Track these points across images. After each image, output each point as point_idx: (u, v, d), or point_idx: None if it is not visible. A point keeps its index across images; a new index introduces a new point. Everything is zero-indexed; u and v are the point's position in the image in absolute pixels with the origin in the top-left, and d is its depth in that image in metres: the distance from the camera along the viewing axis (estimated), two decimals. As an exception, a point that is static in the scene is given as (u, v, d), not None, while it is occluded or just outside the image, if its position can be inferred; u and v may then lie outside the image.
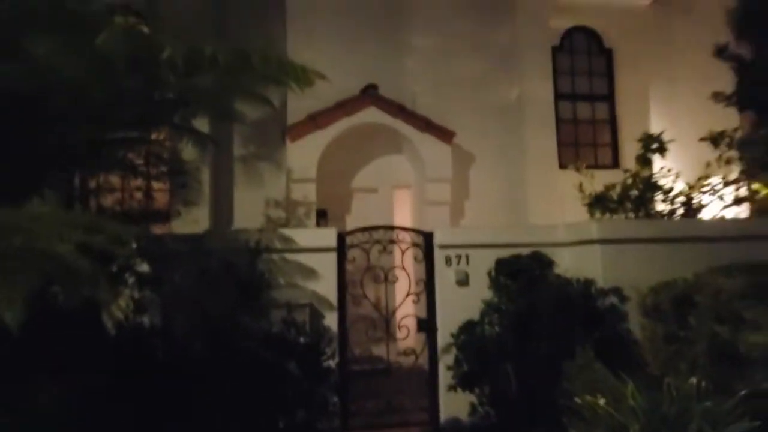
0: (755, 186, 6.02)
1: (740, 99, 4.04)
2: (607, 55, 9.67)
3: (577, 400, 3.10)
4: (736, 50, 4.08)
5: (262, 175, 8.58)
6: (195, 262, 4.16)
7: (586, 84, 9.63)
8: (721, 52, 4.14)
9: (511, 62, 9.07)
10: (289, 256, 5.29)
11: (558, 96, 9.33)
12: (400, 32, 8.95)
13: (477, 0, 9.10)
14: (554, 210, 8.33)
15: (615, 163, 9.38)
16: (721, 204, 6.08)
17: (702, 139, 5.57)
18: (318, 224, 8.18)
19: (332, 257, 5.52)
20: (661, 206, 6.00)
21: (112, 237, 1.84)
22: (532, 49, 9.08)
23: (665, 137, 5.98)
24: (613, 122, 9.56)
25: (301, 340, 4.54)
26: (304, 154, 7.99)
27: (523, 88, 9.01)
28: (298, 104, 7.93)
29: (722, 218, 5.77)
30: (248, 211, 8.60)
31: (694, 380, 2.94)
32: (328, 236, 5.63)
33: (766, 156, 4.51)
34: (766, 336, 2.99)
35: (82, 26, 2.34)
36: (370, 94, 8.33)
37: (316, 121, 8.00)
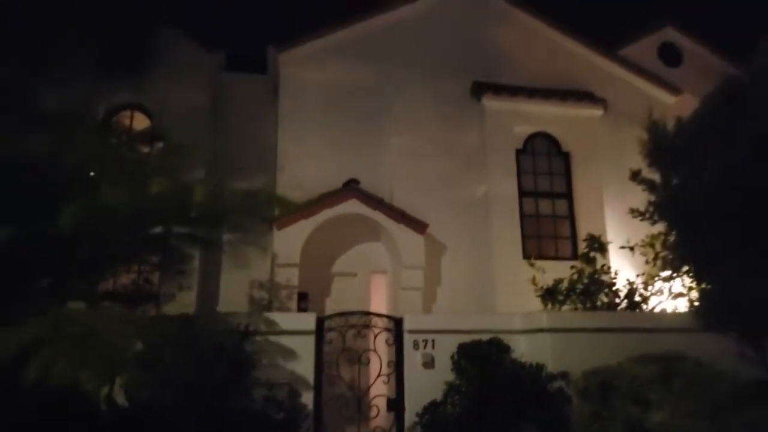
0: (689, 283, 6.80)
1: (651, 215, 4.88)
2: (565, 157, 10.75)
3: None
4: (647, 175, 4.97)
5: (249, 258, 9.15)
6: (187, 342, 4.69)
7: (546, 183, 10.60)
8: (635, 176, 5.03)
9: (479, 162, 10.09)
10: (272, 338, 5.86)
11: (522, 193, 10.25)
12: (380, 133, 9.99)
13: (449, 107, 10.25)
14: (519, 297, 8.99)
15: (574, 255, 10.18)
16: (661, 298, 6.86)
17: (622, 247, 6.43)
18: (299, 306, 8.73)
19: (311, 340, 6.10)
20: (605, 299, 6.74)
21: (149, 327, 2.49)
22: (498, 152, 10.14)
23: (607, 238, 6.83)
24: (571, 217, 10.45)
25: (280, 416, 5.02)
26: (289, 241, 8.66)
27: (490, 186, 9.96)
28: (286, 194, 8.71)
29: (656, 312, 6.51)
30: (234, 293, 9.20)
31: (606, 453, 3.54)
32: (307, 320, 6.24)
33: (682, 259, 5.30)
34: (664, 415, 3.62)
35: (138, 175, 3.14)
36: (351, 188, 9.19)
37: (301, 211, 8.77)
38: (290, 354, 5.91)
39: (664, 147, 4.79)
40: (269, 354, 5.73)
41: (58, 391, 3.19)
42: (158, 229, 3.50)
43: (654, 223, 5.01)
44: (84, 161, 3.07)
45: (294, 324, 6.15)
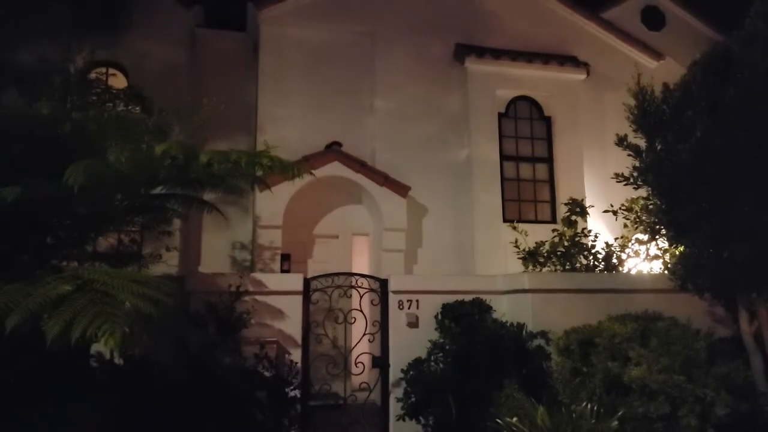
0: (665, 246, 7.04)
1: (635, 180, 5.02)
2: (547, 121, 10.86)
3: (499, 421, 3.86)
4: (633, 141, 5.08)
5: (230, 220, 9.12)
6: (178, 302, 4.73)
7: (528, 147, 10.73)
8: (621, 141, 5.14)
9: (462, 125, 10.13)
10: (260, 297, 5.93)
11: (503, 157, 10.38)
12: (363, 95, 9.91)
13: (433, 69, 10.19)
14: (498, 260, 9.23)
15: (553, 219, 10.41)
16: (637, 260, 7.11)
17: (605, 211, 6.62)
18: (282, 268, 8.81)
19: (298, 299, 6.18)
20: (584, 261, 6.95)
21: (154, 287, 2.52)
22: (480, 115, 10.18)
23: (586, 203, 7.01)
24: (552, 182, 10.65)
25: (269, 373, 5.13)
26: (272, 203, 8.64)
27: (472, 149, 10.04)
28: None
29: (635, 273, 6.75)
30: (215, 254, 9.20)
31: (588, 405, 3.75)
32: (295, 281, 6.31)
33: (660, 223, 5.48)
34: (643, 371, 3.83)
35: (143, 139, 3.11)
36: (334, 150, 9.16)
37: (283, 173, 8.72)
38: (278, 314, 6.00)
39: (650, 113, 4.87)
40: (258, 313, 5.80)
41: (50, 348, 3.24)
42: (158, 190, 3.48)
43: (637, 188, 5.14)
44: (84, 120, 3.03)
45: (281, 284, 6.21)
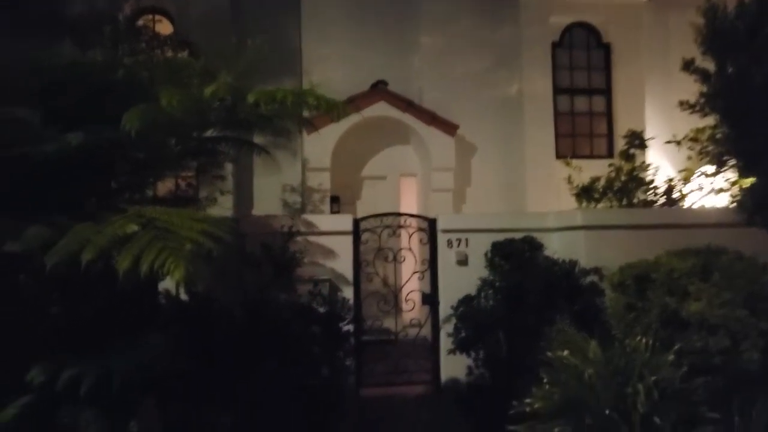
0: (733, 179, 6.66)
1: (702, 107, 4.70)
2: (605, 49, 10.25)
3: (550, 355, 3.88)
4: (701, 65, 4.72)
5: (280, 163, 9.24)
6: (234, 243, 4.89)
7: (584, 78, 10.23)
8: (687, 66, 4.78)
9: (513, 58, 9.71)
10: (312, 238, 6.07)
11: (557, 90, 9.95)
12: (409, 31, 9.59)
13: (481, 0, 9.70)
14: (551, 197, 9.04)
15: (609, 153, 10.02)
16: (701, 194, 6.78)
17: (668, 142, 6.27)
18: (332, 209, 8.94)
19: (349, 239, 6.31)
20: (643, 196, 6.70)
21: (213, 224, 2.62)
22: (532, 46, 9.71)
23: (646, 135, 6.67)
24: (609, 114, 10.17)
25: (323, 310, 5.32)
26: (320, 145, 8.70)
27: (523, 83, 9.66)
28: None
29: (695, 207, 6.46)
30: (266, 197, 9.39)
31: (642, 339, 3.71)
32: (345, 221, 6.41)
33: (728, 153, 5.16)
34: (701, 305, 3.72)
35: (192, 83, 3.16)
36: (380, 90, 9.01)
37: (330, 114, 8.68)
38: (330, 253, 6.15)
39: (721, 32, 4.49)
40: (311, 253, 5.96)
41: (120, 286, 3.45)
42: (209, 133, 3.56)
43: (704, 115, 4.82)
44: (135, 66, 3.09)
45: (332, 225, 6.34)
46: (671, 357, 3.59)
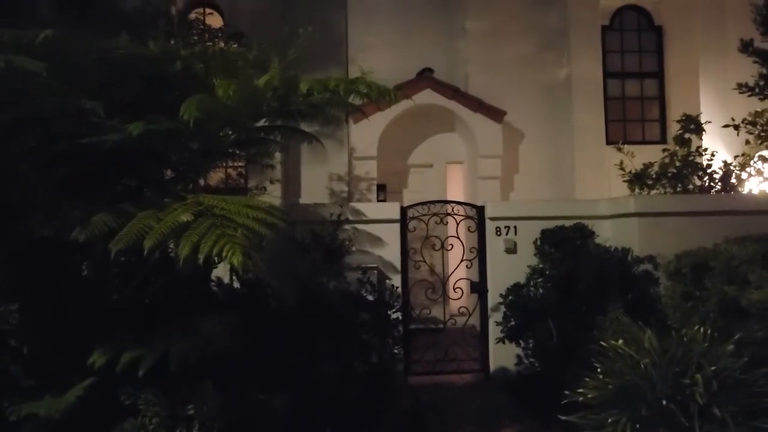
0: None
1: (761, 90, 4.48)
2: (657, 32, 9.88)
3: (604, 344, 3.81)
4: (760, 46, 4.49)
5: (327, 152, 9.34)
6: (285, 230, 5.00)
7: (635, 61, 9.90)
8: (746, 47, 4.56)
9: (561, 42, 9.48)
10: (360, 226, 6.15)
11: (607, 74, 9.67)
12: (454, 16, 9.50)
13: (528, -18, 9.50)
14: (601, 184, 8.83)
15: (662, 139, 9.68)
16: (760, 179, 6.48)
17: (725, 126, 5.98)
18: (378, 198, 9.00)
19: (396, 227, 6.34)
20: (698, 182, 6.45)
21: (267, 212, 2.70)
22: (582, 29, 9.44)
23: (703, 119, 6.40)
24: (662, 99, 9.82)
25: (371, 297, 5.38)
26: (366, 134, 8.75)
27: (572, 67, 9.42)
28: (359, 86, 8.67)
29: (754, 193, 6.18)
30: (314, 186, 9.53)
31: (700, 329, 3.59)
32: (392, 209, 6.45)
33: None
34: (763, 294, 3.57)
35: (246, 73, 3.26)
36: (425, 77, 8.98)
37: (377, 103, 8.71)
38: (377, 241, 6.21)
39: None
40: (358, 241, 6.04)
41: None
42: (262, 123, 3.65)
43: (764, 98, 4.60)
44: (191, 57, 3.20)
45: (379, 213, 6.39)
46: (731, 347, 3.47)
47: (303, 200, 9.27)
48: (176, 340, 3.25)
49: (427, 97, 8.85)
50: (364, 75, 3.58)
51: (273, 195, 7.56)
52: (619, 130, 9.64)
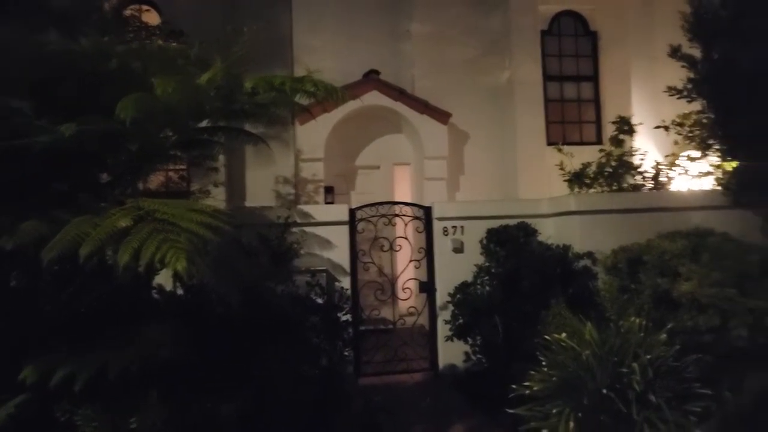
0: (717, 162, 6.76)
1: (689, 93, 4.77)
2: (593, 37, 10.30)
3: (547, 338, 3.94)
4: (688, 51, 4.78)
5: (272, 154, 9.18)
6: (231, 234, 4.89)
7: (573, 65, 10.27)
8: (675, 52, 4.84)
9: (503, 46, 9.72)
10: (308, 228, 6.10)
11: (547, 77, 9.98)
12: (399, 19, 9.58)
13: (471, -13, 9.70)
14: (542, 183, 9.09)
15: (599, 139, 10.09)
16: (687, 178, 6.86)
17: (656, 127, 6.34)
18: (326, 200, 8.96)
19: (345, 229, 6.34)
20: (632, 181, 6.77)
21: (212, 215, 2.63)
22: (522, 33, 9.71)
23: (634, 120, 6.74)
24: (597, 101, 10.24)
25: (321, 300, 5.35)
26: (313, 135, 8.69)
27: (513, 70, 9.67)
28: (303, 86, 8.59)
29: (683, 191, 6.55)
30: (259, 188, 9.36)
31: (636, 320, 3.78)
32: (341, 211, 6.44)
33: (713, 138, 5.23)
34: (692, 285, 3.80)
35: (187, 71, 3.14)
36: (372, 79, 9.00)
37: (322, 104, 8.66)
38: (326, 244, 6.18)
39: (707, 19, 4.55)
40: (307, 244, 5.99)
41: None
42: (204, 123, 3.55)
43: (691, 101, 4.89)
44: (128, 54, 3.07)
45: (328, 215, 6.36)
46: (664, 336, 3.67)
47: (249, 203, 9.10)
48: (115, 351, 3.12)
49: (373, 98, 8.88)
50: (310, 73, 3.55)
51: (217, 198, 7.39)
52: (559, 131, 9.98)
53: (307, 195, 8.85)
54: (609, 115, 9.96)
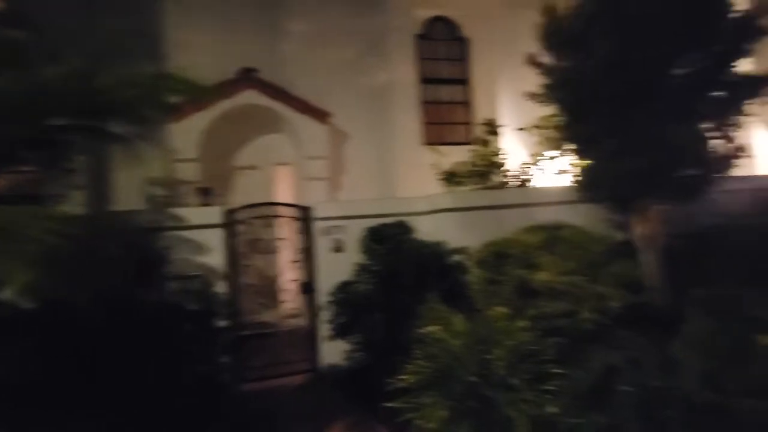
0: (574, 161, 7.44)
1: (543, 98, 5.22)
2: (463, 42, 10.87)
3: (421, 331, 4.10)
4: (541, 59, 5.22)
5: (142, 154, 8.60)
6: (91, 242, 4.55)
7: (446, 69, 10.77)
8: (531, 60, 5.27)
9: (381, 48, 9.93)
10: (181, 233, 5.79)
11: (422, 79, 10.37)
12: (278, 17, 9.41)
13: (348, -11, 9.79)
14: (421, 182, 9.39)
15: (472, 140, 10.65)
16: (550, 176, 7.49)
17: (519, 129, 6.88)
18: (203, 202, 8.55)
19: (219, 233, 6.10)
20: (500, 179, 7.26)
21: (63, 222, 2.40)
22: (398, 36, 10.01)
23: (504, 123, 7.24)
24: (469, 104, 10.83)
25: (197, 306, 5.12)
26: (186, 134, 8.27)
27: (390, 72, 9.93)
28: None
29: (545, 188, 7.15)
30: (128, 191, 8.72)
31: (501, 309, 4.06)
32: (214, 214, 6.21)
33: (566, 139, 5.76)
34: (548, 275, 4.17)
35: (33, 64, 2.80)
36: (249, 77, 8.76)
37: (196, 102, 8.27)
38: (200, 248, 5.92)
39: (559, 30, 5.00)
40: (179, 248, 5.69)
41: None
42: (53, 122, 3.21)
43: (546, 105, 5.35)
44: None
45: (201, 218, 6.10)
46: (524, 323, 3.98)
47: (117, 207, 8.44)
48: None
49: (251, 97, 8.66)
50: (178, 71, 3.36)
51: (77, 203, 6.75)
52: (435, 131, 10.40)
53: (181, 197, 8.39)
54: (481, 116, 10.59)
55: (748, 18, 4.54)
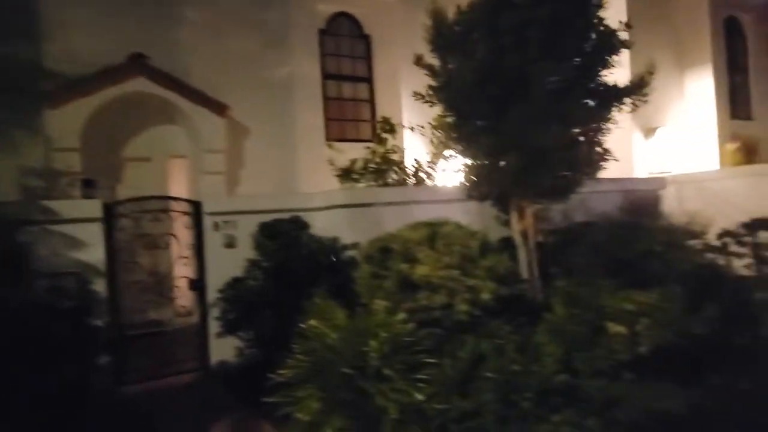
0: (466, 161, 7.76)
1: (430, 98, 5.42)
2: (366, 40, 10.98)
3: (302, 325, 4.14)
4: (428, 61, 5.42)
5: (15, 142, 7.96)
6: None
7: (349, 65, 10.83)
8: (418, 60, 5.45)
9: (283, 41, 9.80)
10: (53, 227, 5.41)
11: (325, 75, 10.37)
12: (173, 2, 8.99)
13: (249, -23, 9.57)
14: (321, 178, 9.40)
15: (374, 137, 10.82)
16: (442, 175, 7.77)
17: (412, 128, 7.09)
18: (86, 194, 8.03)
19: (99, 227, 5.77)
20: (395, 176, 7.43)
21: None
22: (301, 30, 9.93)
23: (405, 121, 7.42)
24: (372, 101, 10.96)
25: (68, 304, 4.82)
26: (66, 122, 7.72)
27: (293, 67, 9.84)
28: (55, 67, 7.58)
29: (435, 186, 7.42)
30: (1, 181, 8.03)
31: (379, 303, 4.18)
32: (93, 207, 5.86)
33: (452, 139, 6.00)
34: (427, 269, 4.34)
35: None
36: (140, 64, 8.32)
37: (78, 88, 7.76)
38: (76, 243, 5.56)
39: (443, 33, 5.20)
40: (50, 244, 5.32)
41: None
42: None
43: (432, 105, 5.54)
44: None
45: (77, 212, 5.72)
46: (402, 315, 4.12)
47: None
48: None
49: (141, 85, 8.24)
50: (57, 55, 3.13)
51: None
52: (338, 128, 10.44)
53: (61, 189, 7.84)
54: (382, 114, 10.75)
55: (610, 33, 4.96)
